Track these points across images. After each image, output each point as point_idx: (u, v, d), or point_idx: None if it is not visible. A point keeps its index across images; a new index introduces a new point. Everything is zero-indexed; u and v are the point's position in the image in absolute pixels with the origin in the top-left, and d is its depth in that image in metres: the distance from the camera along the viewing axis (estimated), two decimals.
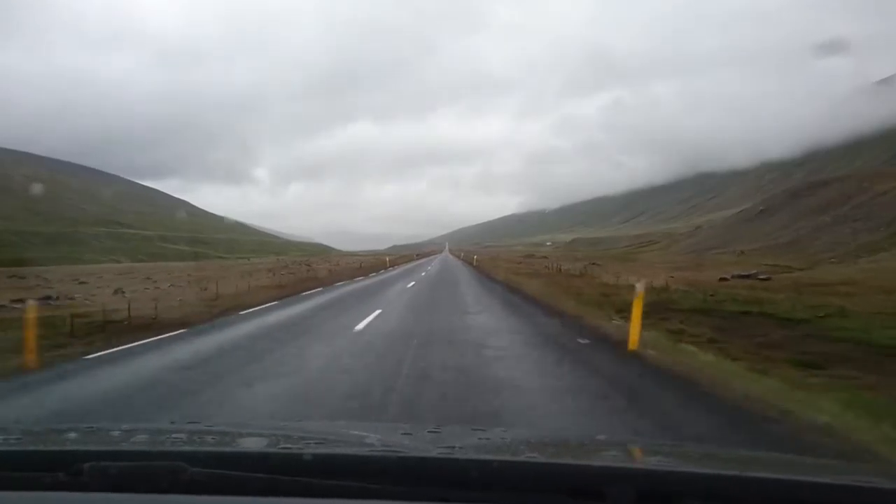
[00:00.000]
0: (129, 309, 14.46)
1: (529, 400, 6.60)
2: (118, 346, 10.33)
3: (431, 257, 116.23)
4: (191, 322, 13.87)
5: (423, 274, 35.71)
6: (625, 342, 10.01)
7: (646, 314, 11.29)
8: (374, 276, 37.08)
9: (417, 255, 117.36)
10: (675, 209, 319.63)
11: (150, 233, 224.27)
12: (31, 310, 9.16)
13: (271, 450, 1.82)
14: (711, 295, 19.91)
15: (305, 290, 23.66)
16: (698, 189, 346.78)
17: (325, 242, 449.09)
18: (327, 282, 29.43)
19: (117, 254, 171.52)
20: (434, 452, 1.75)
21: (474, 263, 54.76)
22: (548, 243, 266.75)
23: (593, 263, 52.56)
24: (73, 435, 2.10)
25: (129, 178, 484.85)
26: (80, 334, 11.66)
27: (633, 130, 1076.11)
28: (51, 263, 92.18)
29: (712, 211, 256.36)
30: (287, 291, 23.27)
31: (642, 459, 1.93)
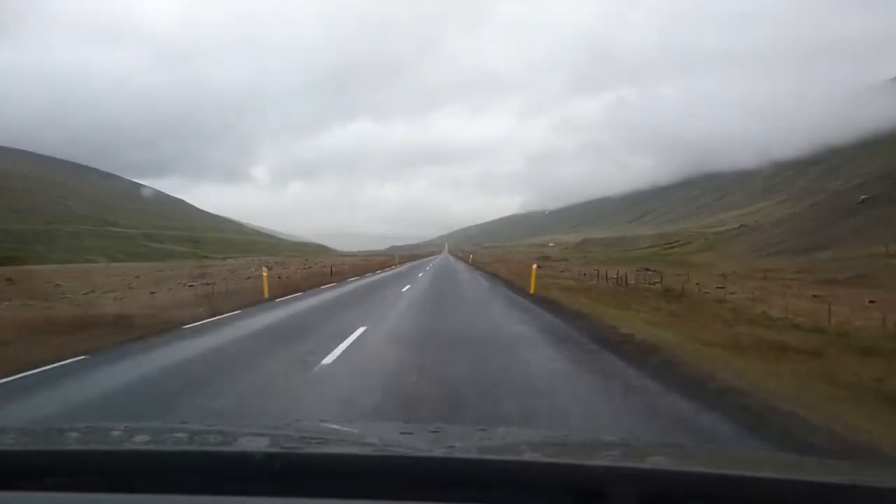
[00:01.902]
0: None
1: None
2: None
3: (430, 258, 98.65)
4: None
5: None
6: None
7: None
8: (303, 299, 19.29)
9: (399, 261, 75.00)
10: (682, 209, 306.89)
11: (135, 231, 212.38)
12: None
13: (272, 450, 1.77)
14: None
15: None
16: (704, 189, 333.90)
17: (324, 243, 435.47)
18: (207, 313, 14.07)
19: (94, 253, 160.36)
20: (435, 452, 1.73)
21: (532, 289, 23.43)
22: (550, 244, 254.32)
23: (646, 269, 37.56)
24: (73, 435, 2.07)
25: (126, 176, 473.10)
26: None
27: (636, 130, 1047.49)
28: (14, 263, 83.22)
29: (723, 210, 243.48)
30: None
31: (645, 460, 1.86)
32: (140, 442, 1.88)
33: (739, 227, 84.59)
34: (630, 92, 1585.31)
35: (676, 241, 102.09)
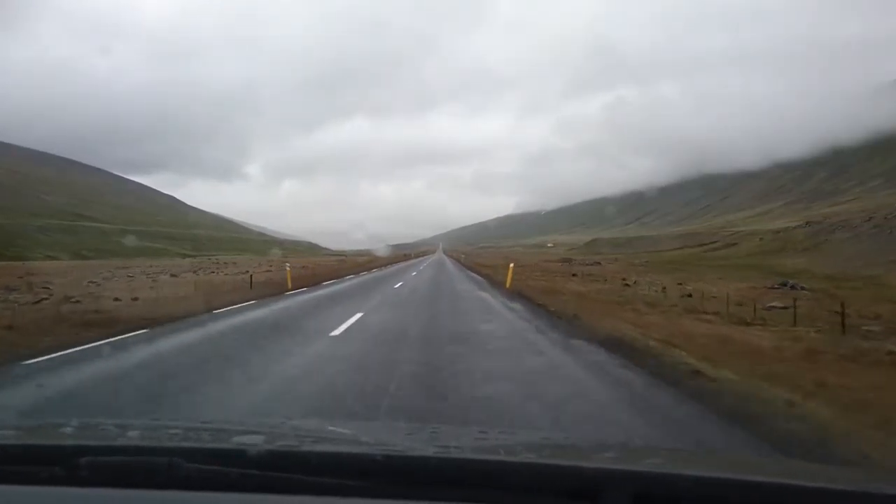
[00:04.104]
0: None
1: None
2: None
3: (417, 261, 79.23)
4: None
5: None
6: None
7: None
8: None
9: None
10: (683, 210, 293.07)
11: (111, 227, 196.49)
12: None
13: (267, 447, 1.74)
14: None
15: None
16: (705, 190, 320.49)
17: (318, 241, 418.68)
18: None
19: (57, 249, 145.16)
20: (430, 452, 1.70)
21: None
22: (549, 244, 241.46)
23: (785, 284, 21.37)
24: (69, 429, 2.02)
25: (117, 172, 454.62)
26: None
27: (635, 130, 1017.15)
28: None
29: (728, 212, 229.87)
30: None
31: (640, 462, 1.81)
32: (135, 437, 1.86)
33: (806, 224, 68.74)
34: (630, 91, 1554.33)
35: (712, 242, 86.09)
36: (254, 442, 1.81)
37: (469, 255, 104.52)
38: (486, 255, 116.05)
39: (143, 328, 10.72)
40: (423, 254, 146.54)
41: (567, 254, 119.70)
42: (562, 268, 47.66)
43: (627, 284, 25.95)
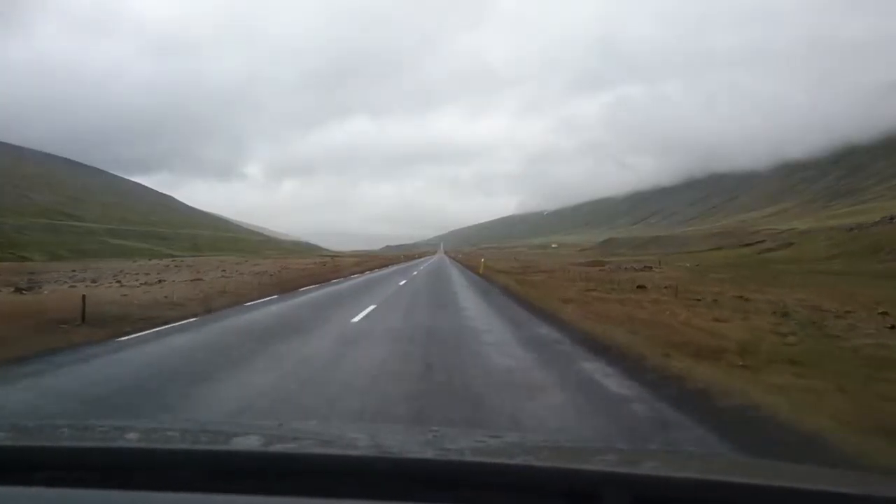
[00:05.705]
0: None
1: None
2: None
3: (410, 265, 66.19)
4: None
5: None
6: None
7: None
8: None
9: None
10: (689, 211, 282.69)
11: (97, 226, 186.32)
12: None
13: (266, 449, 1.74)
14: None
15: None
16: (710, 190, 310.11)
17: (317, 242, 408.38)
18: None
19: (32, 249, 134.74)
20: (429, 454, 1.69)
21: None
22: (553, 245, 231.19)
23: None
24: (67, 431, 2.01)
25: (115, 171, 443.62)
26: None
27: (638, 129, 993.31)
28: None
29: (738, 211, 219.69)
30: None
31: (639, 464, 1.80)
32: (133, 439, 1.85)
33: (892, 218, 57.70)
34: (634, 90, 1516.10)
35: (758, 243, 74.74)
36: (251, 444, 1.81)
37: (471, 256, 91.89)
38: (499, 257, 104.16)
39: None
40: (422, 255, 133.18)
41: (579, 255, 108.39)
42: (601, 274, 36.20)
43: (785, 314, 14.55)
